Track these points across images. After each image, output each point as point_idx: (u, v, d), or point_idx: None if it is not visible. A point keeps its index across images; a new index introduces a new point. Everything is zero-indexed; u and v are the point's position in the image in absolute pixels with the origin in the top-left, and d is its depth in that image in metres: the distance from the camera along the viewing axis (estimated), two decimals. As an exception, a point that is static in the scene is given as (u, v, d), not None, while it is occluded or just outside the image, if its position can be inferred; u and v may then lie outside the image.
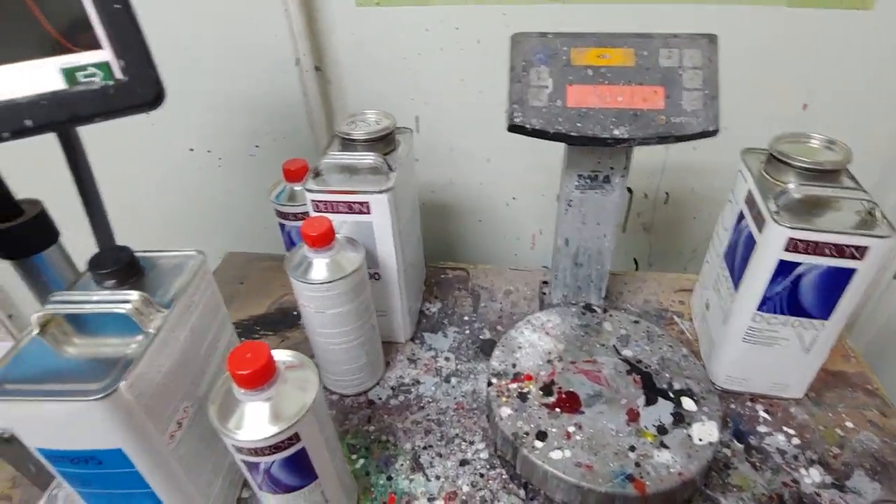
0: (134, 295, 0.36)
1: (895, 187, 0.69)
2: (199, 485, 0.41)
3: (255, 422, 0.36)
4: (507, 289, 0.71)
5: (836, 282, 0.44)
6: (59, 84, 0.36)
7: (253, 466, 0.37)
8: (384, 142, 0.55)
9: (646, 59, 0.44)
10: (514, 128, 0.45)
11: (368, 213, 0.52)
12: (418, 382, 0.59)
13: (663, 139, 0.43)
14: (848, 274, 0.43)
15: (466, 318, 0.67)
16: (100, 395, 0.32)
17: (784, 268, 0.45)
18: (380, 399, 0.57)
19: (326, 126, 0.75)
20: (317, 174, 0.53)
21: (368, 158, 0.52)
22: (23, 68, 0.35)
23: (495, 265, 0.75)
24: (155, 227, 0.91)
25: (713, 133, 0.43)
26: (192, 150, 0.83)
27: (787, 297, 0.46)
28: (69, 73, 0.37)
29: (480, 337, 0.64)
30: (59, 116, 0.36)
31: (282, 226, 0.62)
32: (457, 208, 0.83)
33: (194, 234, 0.91)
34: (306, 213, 0.60)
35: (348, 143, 0.55)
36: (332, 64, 0.71)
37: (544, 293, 0.65)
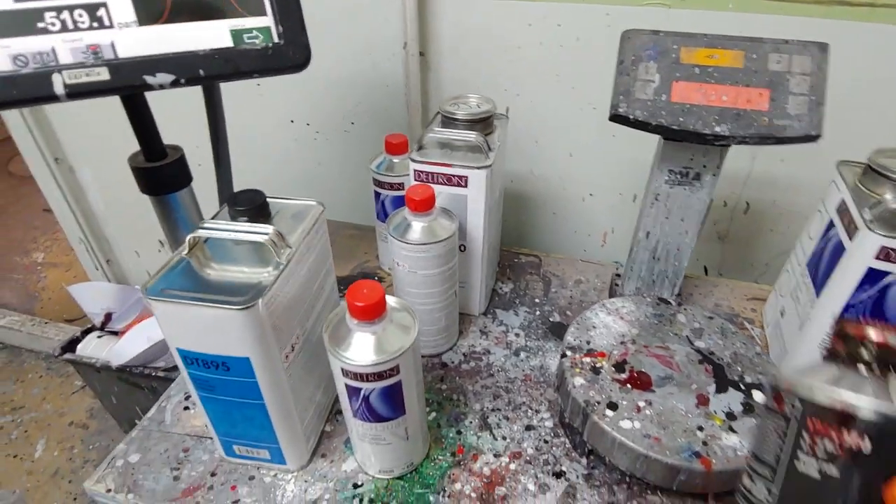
0: (271, 228, 0.41)
1: None
2: (298, 407, 0.47)
3: (362, 350, 0.40)
4: (577, 278, 0.74)
5: (925, 296, 0.44)
6: (227, 42, 0.42)
7: (354, 392, 0.42)
8: (483, 124, 0.59)
9: (755, 61, 0.46)
10: (616, 118, 0.48)
11: (465, 186, 0.56)
12: (489, 353, 0.62)
13: (764, 139, 0.45)
14: (940, 289, 0.44)
15: (537, 300, 0.70)
16: (243, 306, 0.37)
17: (872, 276, 0.45)
18: (452, 362, 0.61)
19: (422, 107, 0.79)
20: (420, 147, 0.57)
21: (471, 136, 0.56)
22: (202, 26, 0.41)
23: (567, 255, 0.78)
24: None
25: (816, 138, 0.45)
26: (292, 121, 0.90)
27: (871, 306, 0.47)
28: (237, 34, 0.42)
29: (550, 319, 0.67)
30: (226, 70, 0.42)
31: (377, 194, 0.67)
32: (534, 199, 0.86)
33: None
34: (402, 184, 0.65)
35: (450, 122, 0.60)
36: (434, 50, 0.76)
37: (617, 284, 0.67)
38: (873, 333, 0.25)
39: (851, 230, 0.47)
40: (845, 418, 0.22)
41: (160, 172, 0.54)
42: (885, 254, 0.44)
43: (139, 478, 0.49)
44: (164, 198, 0.56)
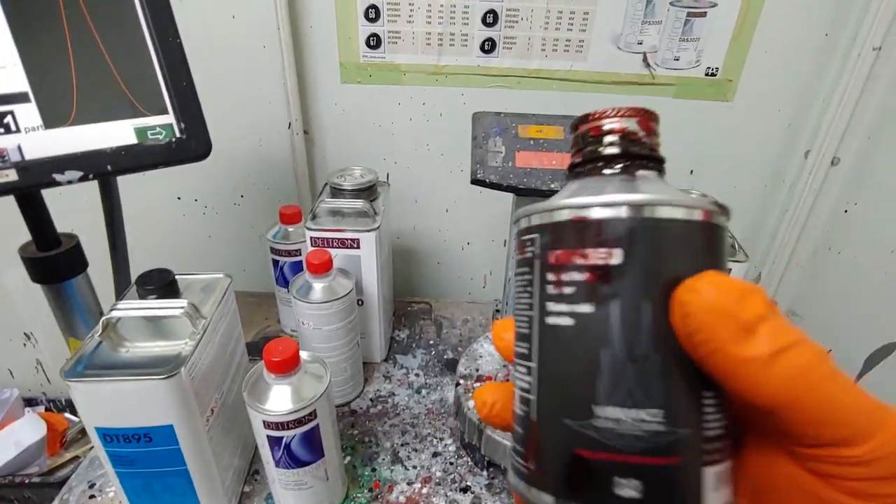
0: (184, 302, 0.45)
1: (759, 230, 0.89)
2: (219, 469, 0.49)
3: (280, 401, 0.45)
4: (464, 318, 0.84)
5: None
6: (132, 139, 0.47)
7: (276, 442, 0.46)
8: (368, 192, 0.68)
9: (571, 134, 0.60)
10: (476, 181, 0.59)
11: (358, 248, 0.63)
12: (393, 394, 0.69)
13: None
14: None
15: (431, 342, 0.78)
16: (166, 376, 0.41)
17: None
18: (361, 408, 0.67)
19: (309, 180, 0.86)
20: (314, 216, 0.64)
21: (358, 204, 0.64)
22: (108, 126, 0.46)
23: (454, 299, 0.88)
24: (141, 266, 0.97)
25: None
26: (179, 198, 0.92)
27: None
28: (141, 132, 0.47)
29: (444, 357, 0.75)
30: (132, 164, 0.47)
31: (275, 261, 0.72)
32: (419, 252, 0.96)
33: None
34: (299, 251, 0.71)
35: (338, 192, 0.67)
36: (317, 128, 0.84)
37: (496, 317, 0.78)
38: (608, 122, 0.19)
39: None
40: (584, 229, 0.16)
41: (54, 262, 0.55)
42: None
43: (48, 575, 0.48)
44: (59, 285, 0.56)
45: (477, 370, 0.61)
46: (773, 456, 0.17)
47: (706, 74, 0.78)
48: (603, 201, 0.16)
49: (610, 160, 0.19)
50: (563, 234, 0.17)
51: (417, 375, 0.72)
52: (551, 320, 0.17)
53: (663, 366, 0.16)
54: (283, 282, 0.74)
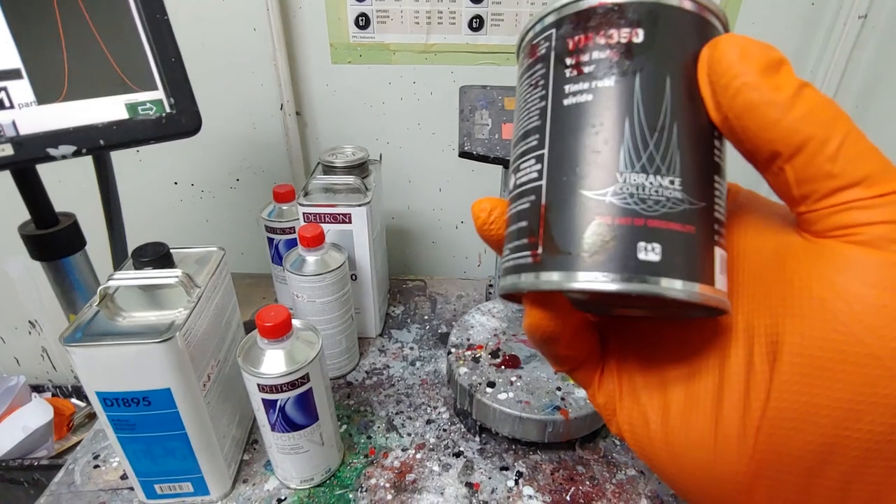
0: (179, 272, 0.47)
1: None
2: (217, 434, 0.51)
3: (274, 364, 0.47)
4: (458, 294, 0.85)
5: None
6: (123, 115, 0.48)
7: (271, 405, 0.48)
8: (360, 169, 0.69)
9: (556, 105, 0.61)
10: (464, 154, 0.60)
11: (350, 223, 0.65)
12: (388, 367, 0.70)
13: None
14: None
15: (426, 317, 0.80)
16: (161, 340, 0.42)
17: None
18: (356, 380, 0.68)
19: (303, 160, 0.88)
20: (307, 193, 0.66)
21: (349, 179, 0.65)
22: (99, 102, 0.47)
23: (449, 276, 0.89)
24: (135, 253, 0.98)
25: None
26: (176, 183, 0.93)
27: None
28: (132, 107, 0.48)
29: (439, 331, 0.77)
30: (123, 139, 0.48)
31: (270, 240, 0.73)
32: (413, 232, 0.97)
33: (173, 260, 0.99)
34: (293, 229, 0.72)
35: (330, 169, 0.69)
36: (309, 109, 0.85)
37: (490, 292, 0.79)
38: None
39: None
40: (608, 12, 0.18)
41: (53, 239, 0.56)
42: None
43: (55, 538, 0.50)
44: (58, 262, 0.58)
45: (468, 339, 0.62)
46: (761, 234, 0.18)
47: (693, 47, 0.78)
48: None
49: None
50: (586, 20, 0.18)
51: (412, 349, 0.73)
52: (569, 100, 0.18)
53: (682, 137, 0.17)
54: (279, 260, 0.75)
